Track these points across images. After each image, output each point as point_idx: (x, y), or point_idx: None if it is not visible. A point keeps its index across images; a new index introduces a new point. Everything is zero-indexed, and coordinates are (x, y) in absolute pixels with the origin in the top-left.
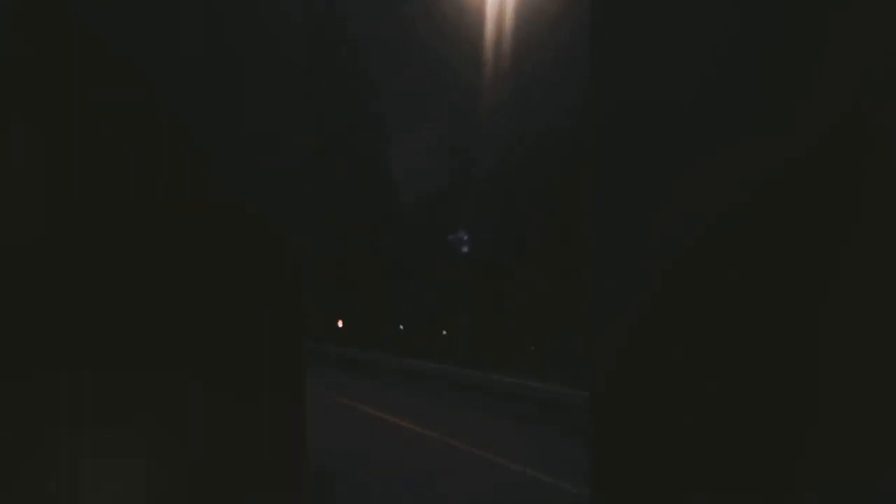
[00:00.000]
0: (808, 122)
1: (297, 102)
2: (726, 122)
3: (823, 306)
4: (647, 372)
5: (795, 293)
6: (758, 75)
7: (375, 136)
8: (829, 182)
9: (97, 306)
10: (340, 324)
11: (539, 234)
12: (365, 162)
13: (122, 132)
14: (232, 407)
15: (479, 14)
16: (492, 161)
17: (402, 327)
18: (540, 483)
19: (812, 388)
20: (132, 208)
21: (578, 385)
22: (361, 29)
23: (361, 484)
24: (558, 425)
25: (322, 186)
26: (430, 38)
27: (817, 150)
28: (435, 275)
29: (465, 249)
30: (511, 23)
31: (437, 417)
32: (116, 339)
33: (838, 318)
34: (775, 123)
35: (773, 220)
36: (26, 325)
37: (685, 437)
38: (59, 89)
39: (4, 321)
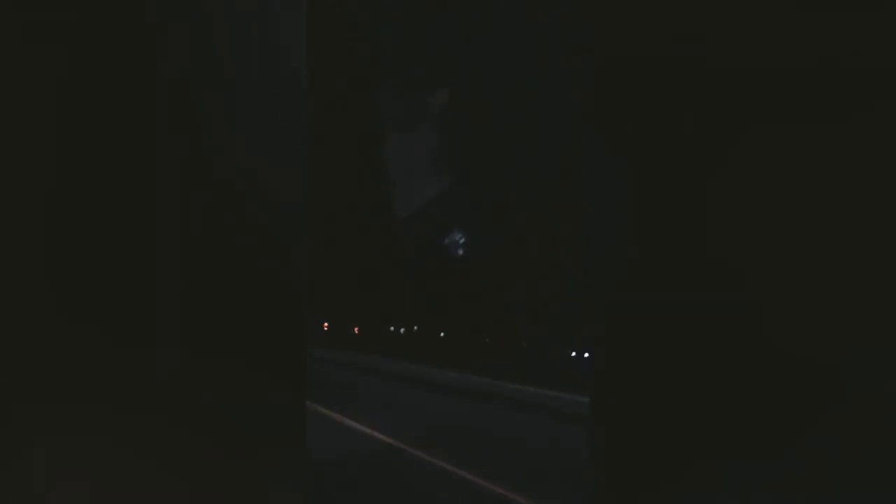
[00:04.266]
0: (809, 122)
1: (298, 104)
2: (725, 116)
3: (830, 308)
4: (647, 374)
5: (801, 290)
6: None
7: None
8: (835, 184)
9: (98, 308)
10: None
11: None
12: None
13: (126, 127)
14: (232, 406)
15: None
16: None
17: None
18: None
19: (816, 391)
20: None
21: None
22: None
23: None
24: None
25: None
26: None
27: (822, 149)
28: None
29: (461, 252)
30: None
31: None
32: (116, 337)
33: (843, 319)
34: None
35: (777, 217)
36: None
37: (687, 441)
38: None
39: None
